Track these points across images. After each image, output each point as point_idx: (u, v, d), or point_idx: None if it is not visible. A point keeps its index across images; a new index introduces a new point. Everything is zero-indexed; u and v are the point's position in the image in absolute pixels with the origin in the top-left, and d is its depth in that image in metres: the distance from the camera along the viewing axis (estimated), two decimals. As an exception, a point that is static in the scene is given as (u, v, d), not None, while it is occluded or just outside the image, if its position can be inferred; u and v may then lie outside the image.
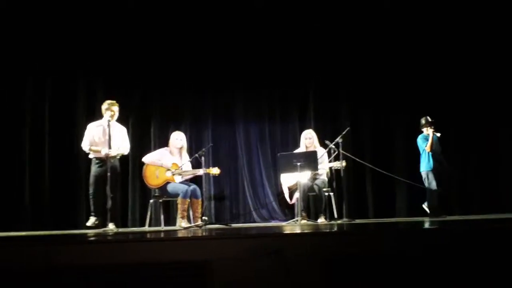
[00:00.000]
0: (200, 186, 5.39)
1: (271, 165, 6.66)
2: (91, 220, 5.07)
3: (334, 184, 5.70)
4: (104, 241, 2.38)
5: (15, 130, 6.04)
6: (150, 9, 6.28)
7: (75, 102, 6.30)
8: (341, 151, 5.37)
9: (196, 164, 5.56)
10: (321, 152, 5.56)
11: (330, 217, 5.52)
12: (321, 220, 5.29)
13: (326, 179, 5.58)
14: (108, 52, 6.37)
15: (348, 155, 5.59)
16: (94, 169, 5.16)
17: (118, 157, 5.26)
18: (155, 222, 5.88)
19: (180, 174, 5.36)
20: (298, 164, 5.12)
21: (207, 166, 5.38)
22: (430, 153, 5.79)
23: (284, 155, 5.47)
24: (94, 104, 6.07)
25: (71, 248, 2.11)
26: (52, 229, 5.59)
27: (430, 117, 5.88)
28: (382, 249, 2.27)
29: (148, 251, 2.12)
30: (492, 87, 6.68)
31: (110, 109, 5.19)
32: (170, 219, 5.88)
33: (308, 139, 5.66)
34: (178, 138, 5.48)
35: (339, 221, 5.32)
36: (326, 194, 5.48)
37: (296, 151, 5.68)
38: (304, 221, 5.19)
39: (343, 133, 5.43)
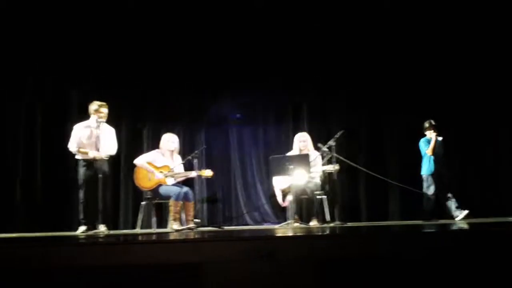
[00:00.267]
0: (193, 188, 5.37)
1: (264, 168, 6.65)
2: (81, 229, 5.03)
3: (327, 187, 5.69)
4: (96, 243, 2.36)
5: (11, 130, 6.04)
6: (145, 13, 6.25)
7: (69, 102, 6.27)
8: (334, 154, 5.35)
9: (188, 166, 5.54)
10: (315, 155, 5.54)
11: (323, 220, 5.51)
12: (314, 223, 5.28)
13: (319, 182, 5.57)
14: (102, 53, 6.32)
15: (342, 158, 5.56)
16: (82, 171, 5.12)
17: (107, 158, 5.23)
18: (147, 224, 5.84)
19: (172, 176, 5.33)
20: (290, 167, 5.10)
21: (200, 168, 5.37)
22: (431, 156, 5.80)
23: (276, 158, 5.39)
24: (87, 104, 6.03)
25: (62, 250, 2.10)
26: (45, 231, 5.54)
27: (433, 121, 5.88)
28: (374, 252, 2.28)
29: (141, 253, 2.11)
30: (491, 87, 6.64)
31: (99, 111, 5.15)
32: (162, 222, 5.84)
33: (302, 142, 5.63)
34: (170, 141, 5.44)
35: (331, 224, 5.32)
36: (319, 197, 5.48)
37: (289, 153, 5.64)
38: (296, 224, 5.19)
39: (336, 136, 5.37)
